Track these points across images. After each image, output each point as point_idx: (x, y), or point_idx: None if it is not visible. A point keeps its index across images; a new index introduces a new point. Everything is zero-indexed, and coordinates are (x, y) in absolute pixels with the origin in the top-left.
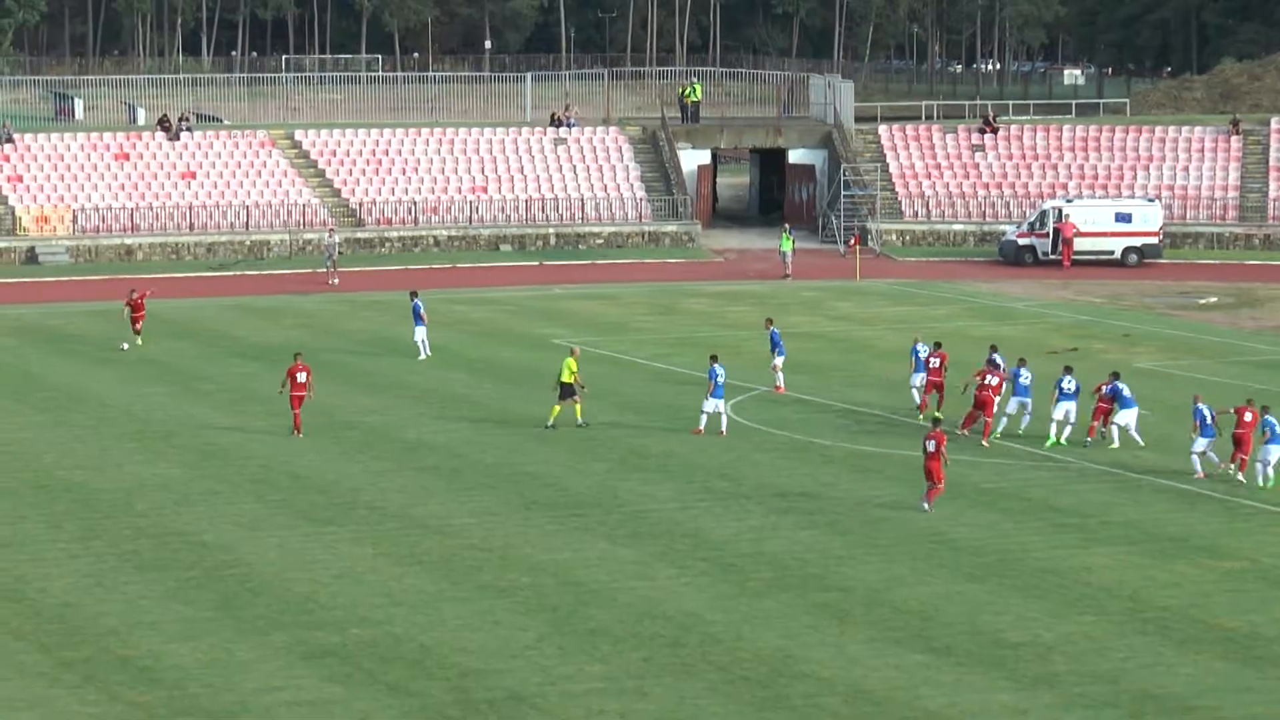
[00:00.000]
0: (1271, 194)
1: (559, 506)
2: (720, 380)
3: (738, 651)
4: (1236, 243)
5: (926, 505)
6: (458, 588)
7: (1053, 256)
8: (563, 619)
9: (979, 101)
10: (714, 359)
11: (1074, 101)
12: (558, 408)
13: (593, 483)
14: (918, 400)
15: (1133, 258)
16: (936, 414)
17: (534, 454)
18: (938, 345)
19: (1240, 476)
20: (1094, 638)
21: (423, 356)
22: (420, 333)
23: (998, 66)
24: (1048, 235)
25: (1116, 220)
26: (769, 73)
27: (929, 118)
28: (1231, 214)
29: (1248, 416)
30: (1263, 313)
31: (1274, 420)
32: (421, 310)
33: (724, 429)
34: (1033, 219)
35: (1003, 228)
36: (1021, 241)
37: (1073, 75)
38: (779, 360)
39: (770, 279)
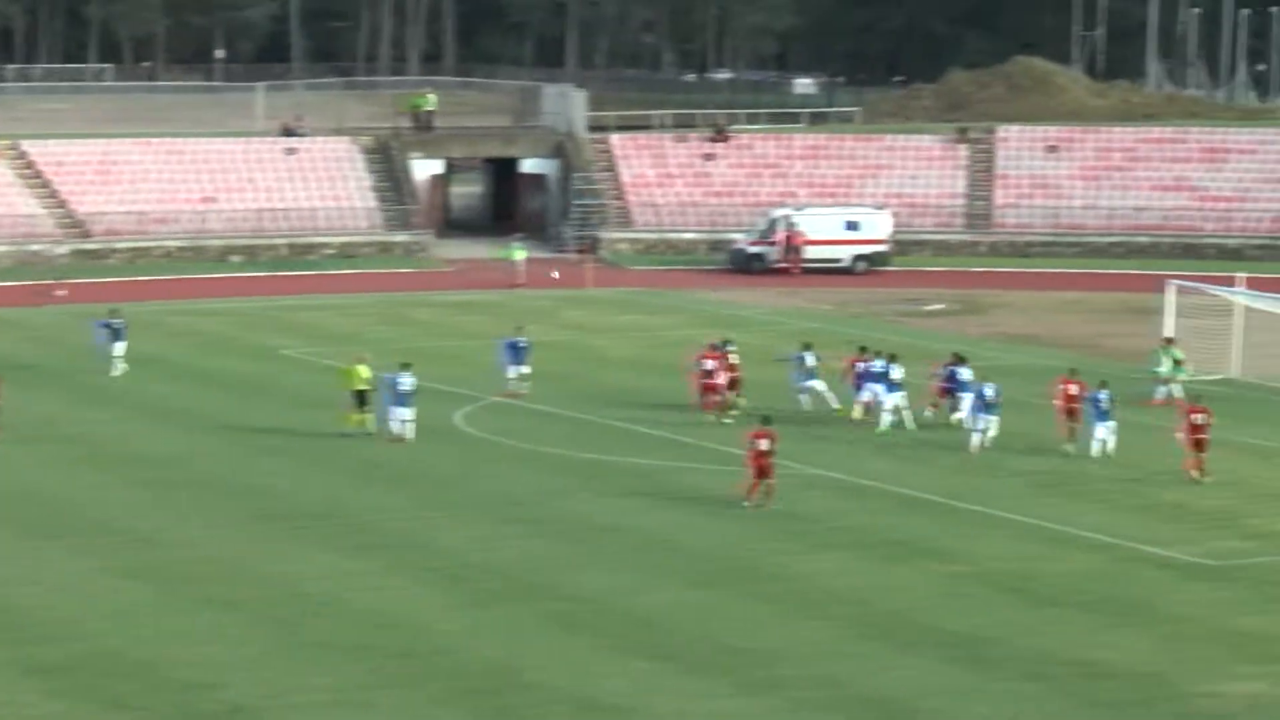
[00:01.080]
0: (997, 202)
1: (288, 518)
2: (404, 388)
3: (466, 662)
4: (963, 250)
5: (747, 503)
6: (183, 601)
7: (783, 264)
8: (290, 631)
9: (711, 110)
10: (404, 367)
11: (805, 110)
12: (358, 416)
13: (322, 494)
14: (835, 404)
15: (861, 265)
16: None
17: (262, 465)
18: (722, 345)
19: (1069, 447)
20: (820, 643)
21: (116, 373)
22: (118, 349)
23: (730, 76)
24: (777, 243)
25: (846, 228)
26: (503, 82)
27: (661, 127)
28: (958, 222)
29: (1073, 389)
30: (988, 319)
31: (1104, 396)
32: (116, 326)
33: (409, 435)
34: (763, 227)
35: (733, 236)
36: (752, 249)
37: (804, 84)
38: (522, 370)
39: (502, 288)
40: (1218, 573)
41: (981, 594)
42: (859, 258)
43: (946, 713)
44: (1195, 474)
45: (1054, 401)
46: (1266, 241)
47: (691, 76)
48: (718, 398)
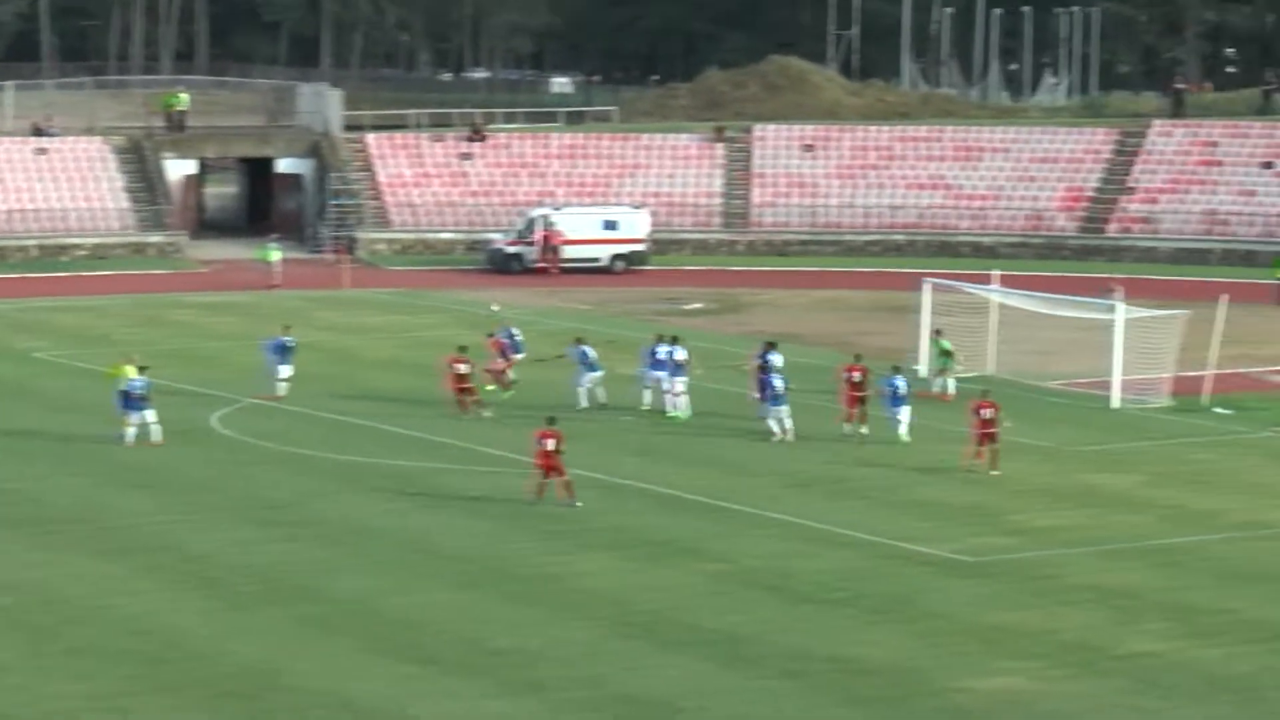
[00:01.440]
0: (754, 200)
1: (39, 523)
2: (137, 391)
3: (223, 666)
4: (721, 249)
5: (576, 502)
6: None
7: (541, 264)
8: (44, 638)
9: (468, 110)
10: (141, 370)
11: (562, 110)
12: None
13: (75, 497)
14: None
15: (619, 265)
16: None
17: (9, 469)
18: (461, 351)
19: (863, 429)
20: (581, 643)
21: None
22: None
23: (486, 75)
24: (535, 243)
25: (604, 227)
26: (257, 81)
27: (418, 126)
28: (716, 221)
29: (855, 376)
30: (746, 317)
31: (900, 382)
32: None
33: (154, 437)
34: (520, 226)
35: (491, 236)
36: (510, 249)
37: (561, 83)
38: (284, 371)
39: (258, 289)
40: (976, 569)
41: (740, 592)
42: (617, 257)
43: (707, 711)
44: (978, 464)
45: (840, 385)
46: (1020, 239)
47: (448, 76)
48: (473, 399)
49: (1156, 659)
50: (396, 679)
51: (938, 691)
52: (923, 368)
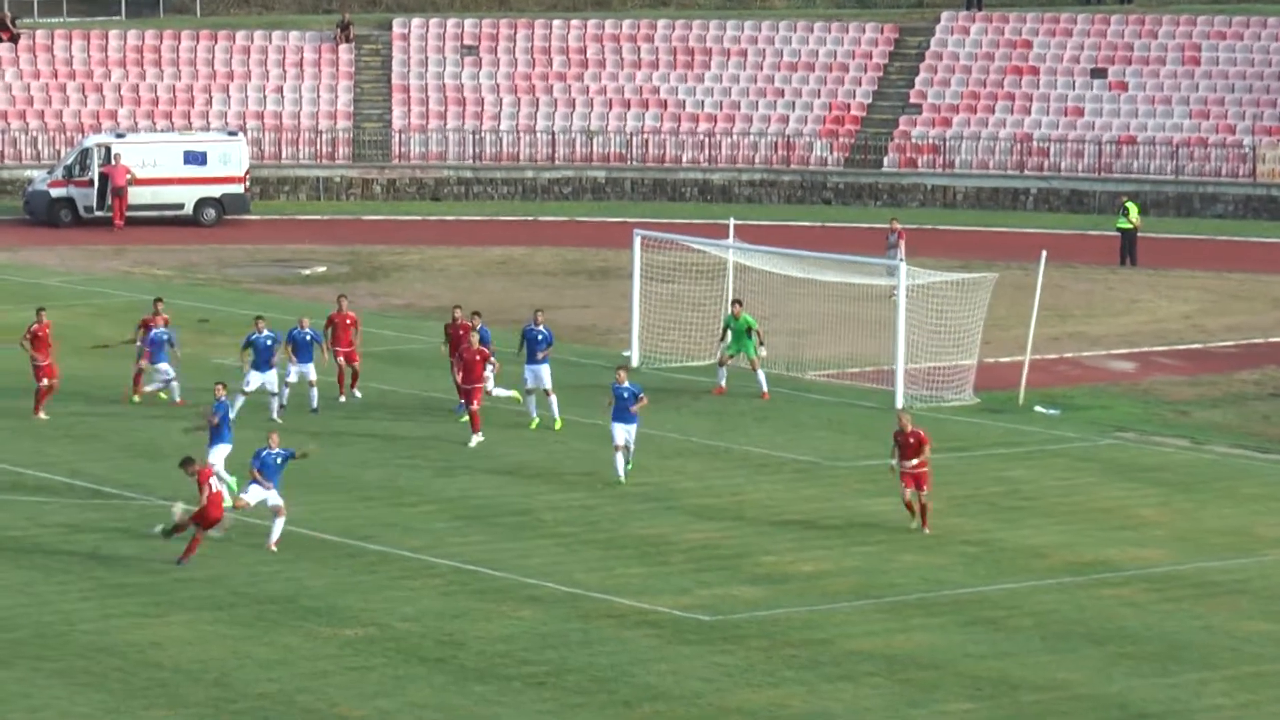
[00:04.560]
0: (396, 124)
1: None
2: None
3: None
4: (352, 191)
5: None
6: None
7: (100, 213)
8: None
9: None
10: None
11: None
12: None
13: None
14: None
15: (210, 213)
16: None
17: None
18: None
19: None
20: None
21: None
22: None
23: None
24: (92, 183)
25: (187, 162)
26: None
27: None
28: (343, 152)
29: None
30: (386, 286)
31: (629, 387)
32: None
33: None
34: (70, 161)
35: (30, 174)
36: (56, 192)
37: None
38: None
39: None
40: (715, 630)
41: (390, 667)
42: (206, 202)
43: None
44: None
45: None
46: (764, 176)
47: None
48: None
49: None
50: None
51: None
52: (636, 356)
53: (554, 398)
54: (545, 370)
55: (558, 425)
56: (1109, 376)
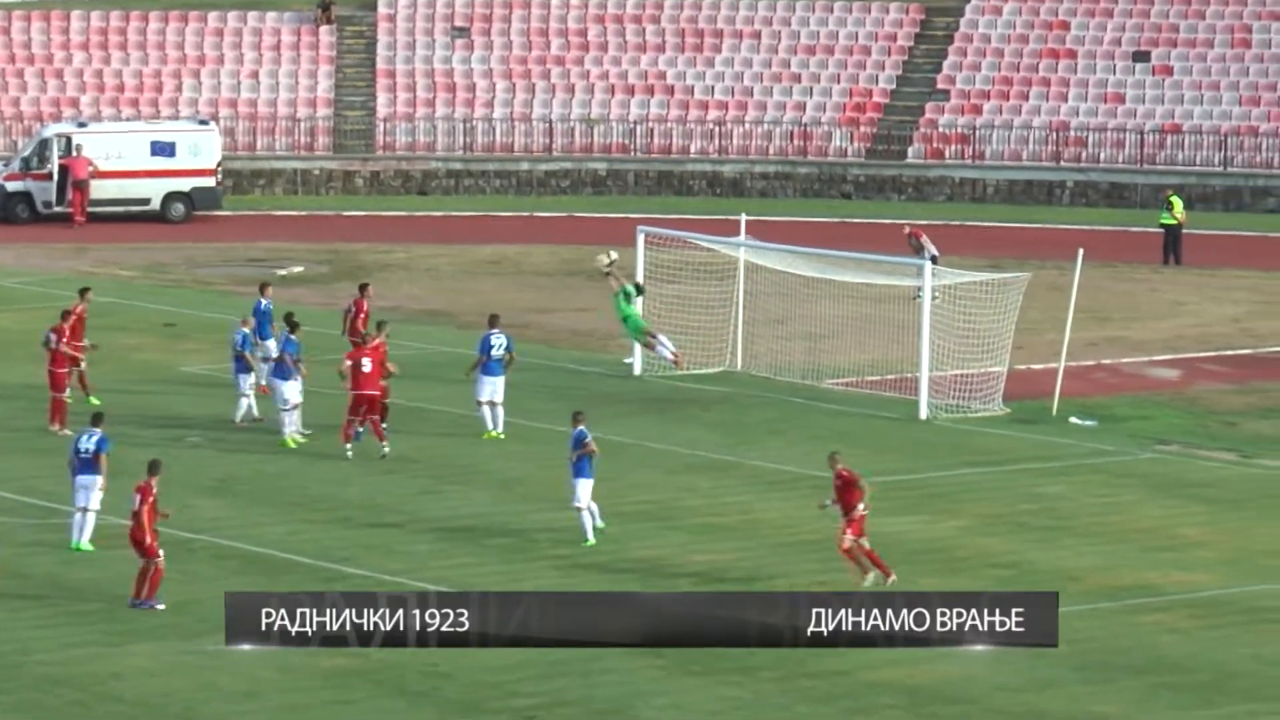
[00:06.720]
0: (380, 112)
1: None
2: None
3: None
4: (332, 184)
5: (157, 604)
6: None
7: (60, 208)
8: None
9: None
10: None
11: None
12: None
13: None
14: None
15: (178, 208)
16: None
17: None
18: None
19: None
20: None
21: None
22: None
23: None
24: (51, 176)
25: (154, 153)
26: None
27: None
28: (323, 142)
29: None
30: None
31: (581, 434)
32: None
33: None
34: (27, 153)
35: None
36: (11, 186)
37: None
38: None
39: None
40: (723, 661)
41: (370, 700)
42: (175, 197)
43: None
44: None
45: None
46: (779, 168)
47: None
48: None
49: None
50: None
51: None
52: (638, 363)
53: (501, 410)
54: (502, 382)
55: (499, 435)
56: (1151, 385)
